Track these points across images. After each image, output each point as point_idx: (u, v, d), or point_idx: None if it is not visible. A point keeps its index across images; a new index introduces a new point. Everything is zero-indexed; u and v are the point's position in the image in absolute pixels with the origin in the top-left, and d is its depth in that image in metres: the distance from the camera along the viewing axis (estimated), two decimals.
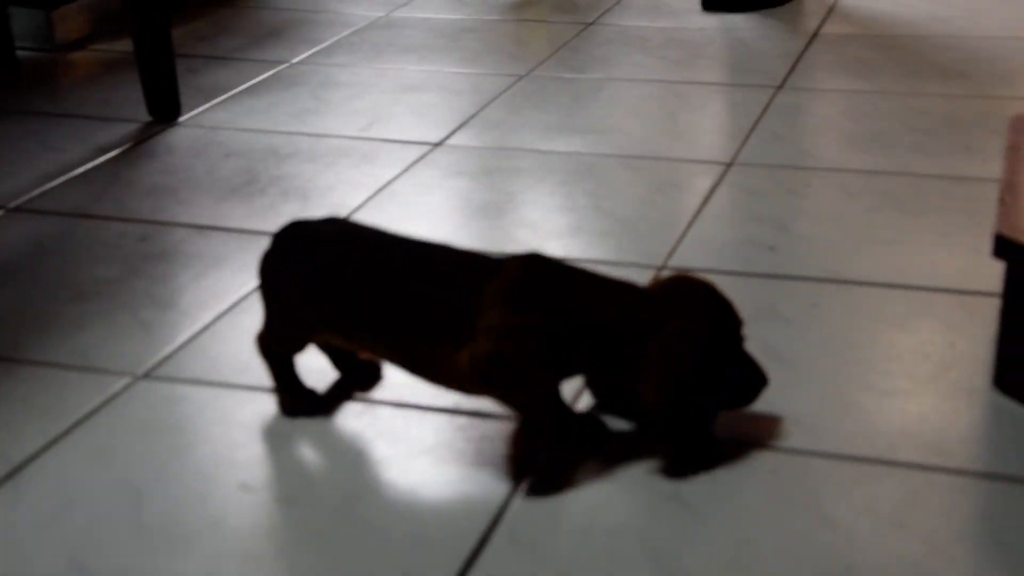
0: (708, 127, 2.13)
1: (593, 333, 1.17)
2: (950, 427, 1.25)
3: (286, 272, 1.28)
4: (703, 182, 1.90)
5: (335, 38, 2.75)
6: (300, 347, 1.31)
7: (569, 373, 1.20)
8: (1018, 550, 1.08)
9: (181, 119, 2.27)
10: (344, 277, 1.25)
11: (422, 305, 1.20)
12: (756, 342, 1.42)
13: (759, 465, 1.20)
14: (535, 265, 1.19)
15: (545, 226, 1.75)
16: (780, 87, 2.32)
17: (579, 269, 1.21)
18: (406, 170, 2.00)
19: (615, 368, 1.19)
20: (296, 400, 1.32)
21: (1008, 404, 1.29)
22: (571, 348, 1.17)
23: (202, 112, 2.30)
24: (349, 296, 1.24)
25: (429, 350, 1.21)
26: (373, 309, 1.23)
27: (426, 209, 1.84)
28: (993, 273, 1.57)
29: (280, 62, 2.59)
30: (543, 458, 1.22)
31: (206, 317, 1.53)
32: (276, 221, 1.81)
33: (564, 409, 1.21)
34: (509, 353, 1.16)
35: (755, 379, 1.22)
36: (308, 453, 1.25)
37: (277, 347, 1.32)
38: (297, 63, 2.58)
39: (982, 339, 1.41)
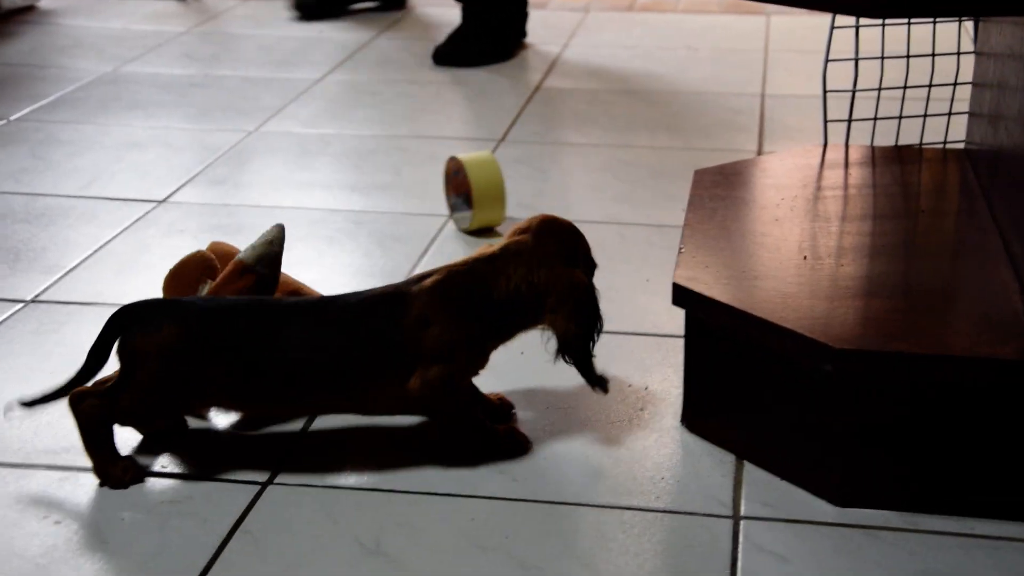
0: (431, 179, 2.17)
1: (508, 313, 1.29)
2: (639, 467, 1.32)
3: (167, 347, 1.23)
4: (425, 234, 1.93)
5: (59, 93, 2.67)
6: (165, 418, 1.30)
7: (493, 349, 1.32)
8: None
9: None
10: (247, 344, 1.23)
11: (354, 349, 1.25)
12: None
13: (459, 512, 1.23)
14: (446, 280, 1.28)
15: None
16: (502, 139, 2.39)
17: (460, 267, 1.29)
18: (126, 229, 1.95)
19: (524, 328, 1.32)
20: (126, 469, 1.27)
21: (693, 441, 1.37)
22: (494, 336, 1.30)
23: None
24: (257, 361, 1.23)
25: (374, 386, 1.26)
26: (292, 368, 1.24)
27: (144, 268, 1.81)
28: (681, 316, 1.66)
29: None
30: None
31: None
32: None
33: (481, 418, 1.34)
34: (460, 370, 1.28)
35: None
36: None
37: (137, 420, 1.28)
38: (16, 120, 2.49)
39: (675, 381, 1.49)
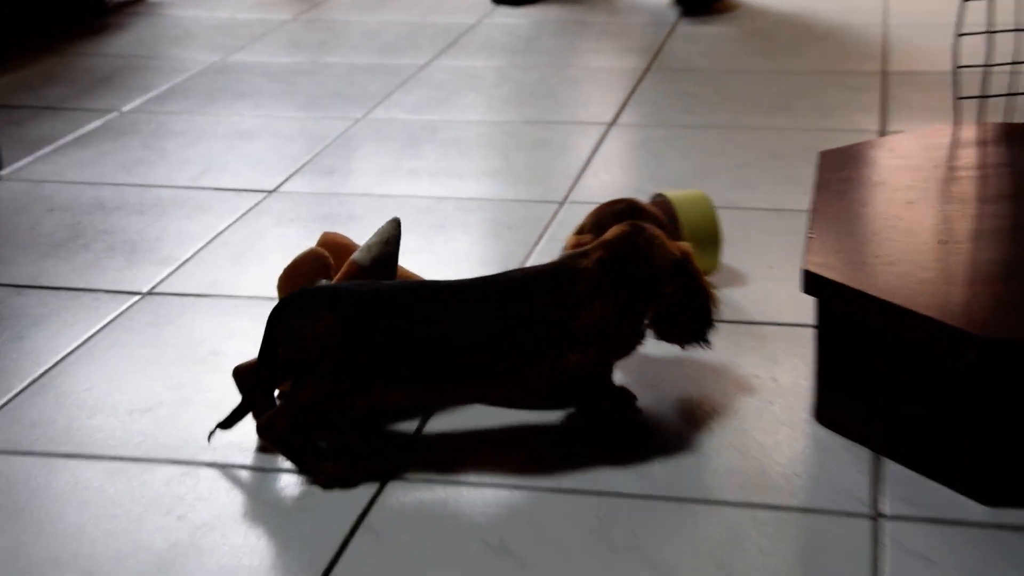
0: (540, 165, 2.13)
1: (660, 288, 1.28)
2: (771, 462, 1.27)
3: (327, 336, 1.21)
4: (538, 220, 1.90)
5: (168, 84, 2.69)
6: (342, 412, 1.25)
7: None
8: None
9: (3, 172, 2.18)
10: (407, 328, 1.22)
11: (516, 329, 1.23)
12: None
13: (586, 509, 1.20)
14: (610, 256, 1.26)
15: None
16: (612, 123, 2.34)
17: (620, 242, 1.28)
18: (239, 219, 1.95)
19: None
20: (350, 464, 1.25)
21: (827, 436, 1.31)
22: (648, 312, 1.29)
23: (26, 165, 2.22)
24: (418, 345, 1.22)
25: (531, 368, 1.24)
26: (452, 351, 1.22)
27: (257, 258, 1.80)
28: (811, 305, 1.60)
29: (110, 111, 2.52)
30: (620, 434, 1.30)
31: (22, 381, 1.46)
32: (100, 277, 1.75)
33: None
34: (620, 349, 1.27)
35: None
36: (119, 523, 1.20)
37: (320, 415, 1.23)
38: (128, 111, 2.51)
39: (803, 372, 1.44)
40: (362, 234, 1.71)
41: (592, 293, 1.25)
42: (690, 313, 1.29)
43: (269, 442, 1.25)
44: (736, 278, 1.68)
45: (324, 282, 1.35)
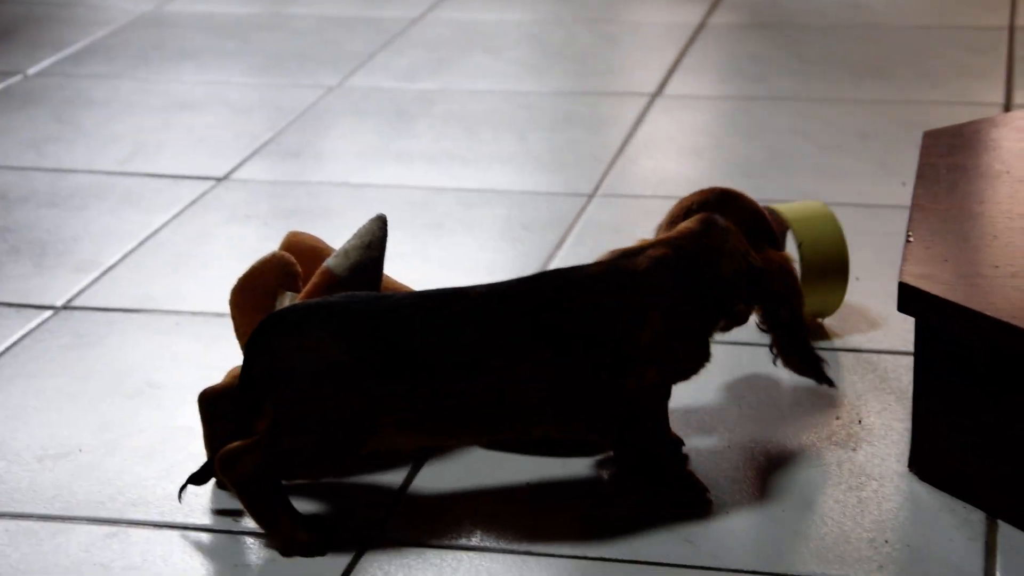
0: (566, 147, 2.17)
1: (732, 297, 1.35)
2: (855, 526, 1.30)
3: (330, 364, 1.25)
4: (561, 219, 1.94)
5: (87, 40, 2.74)
6: (338, 459, 1.30)
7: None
8: None
9: None
10: (427, 351, 1.26)
11: (560, 349, 1.28)
12: None
13: None
14: (674, 256, 1.31)
15: None
16: (657, 94, 2.38)
17: (686, 240, 1.33)
18: (179, 214, 2.00)
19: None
20: (311, 530, 1.29)
21: (926, 493, 1.35)
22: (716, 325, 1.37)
23: None
24: (446, 372, 1.26)
25: (581, 394, 1.29)
26: (486, 379, 1.27)
27: (203, 265, 1.84)
28: (909, 327, 1.63)
29: (11, 73, 2.56)
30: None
31: None
32: (1, 287, 1.79)
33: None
34: (684, 369, 1.34)
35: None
36: None
37: (307, 464, 1.28)
38: (35, 75, 2.56)
39: (898, 413, 1.47)
40: (337, 235, 1.74)
41: (649, 304, 1.29)
42: (782, 342, 1.38)
43: (228, 481, 1.29)
44: None
45: (290, 296, 1.39)
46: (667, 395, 1.33)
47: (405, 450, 1.41)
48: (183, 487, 1.32)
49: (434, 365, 1.26)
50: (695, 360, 1.34)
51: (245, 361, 1.27)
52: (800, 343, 1.39)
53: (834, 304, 1.63)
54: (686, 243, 1.32)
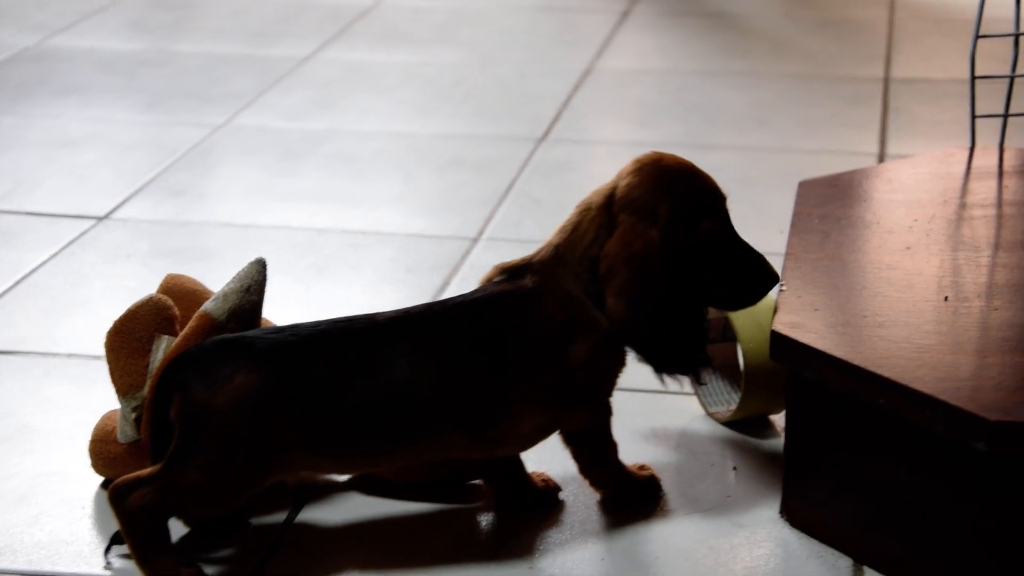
0: (452, 189, 2.17)
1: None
2: (726, 572, 1.31)
3: (245, 399, 1.25)
4: (445, 262, 1.94)
5: None
6: (241, 496, 1.29)
7: None
8: None
9: None
10: (344, 381, 1.27)
11: (475, 371, 1.30)
12: None
13: None
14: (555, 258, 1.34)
15: None
16: (543, 139, 2.40)
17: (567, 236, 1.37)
18: (57, 254, 1.97)
19: None
20: (190, 570, 1.28)
21: (796, 540, 1.36)
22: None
23: None
24: (360, 402, 1.27)
25: (508, 419, 1.31)
26: (404, 405, 1.28)
27: (80, 307, 1.82)
28: None
29: None
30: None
31: None
32: None
33: None
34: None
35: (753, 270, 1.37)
36: None
37: (206, 503, 1.27)
38: None
39: (771, 459, 1.48)
40: (218, 277, 1.73)
41: (562, 322, 1.32)
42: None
43: (116, 511, 1.27)
44: None
45: (167, 340, 1.38)
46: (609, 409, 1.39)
47: (307, 481, 1.41)
48: (108, 547, 1.32)
49: (345, 391, 1.27)
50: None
51: (156, 399, 1.27)
52: (631, 339, 1.36)
53: (779, 406, 1.50)
54: (562, 239, 1.36)
